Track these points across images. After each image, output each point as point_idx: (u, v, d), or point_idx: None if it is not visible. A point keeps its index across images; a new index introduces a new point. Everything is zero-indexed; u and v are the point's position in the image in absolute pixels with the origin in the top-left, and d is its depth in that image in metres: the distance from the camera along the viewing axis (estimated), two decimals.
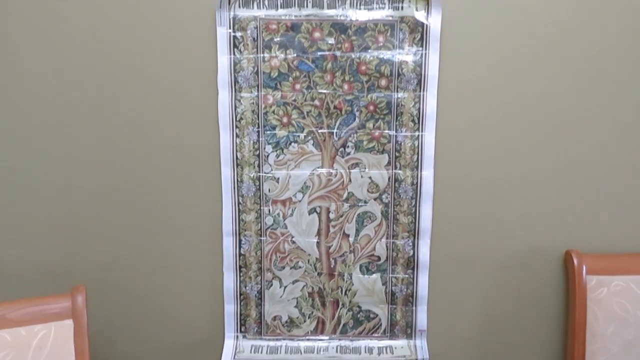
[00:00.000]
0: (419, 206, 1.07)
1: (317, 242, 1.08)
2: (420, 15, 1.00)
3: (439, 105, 1.03)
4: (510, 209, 1.09)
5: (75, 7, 0.99)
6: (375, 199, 1.07)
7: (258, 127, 1.04)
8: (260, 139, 1.05)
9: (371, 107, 1.04)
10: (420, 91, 1.02)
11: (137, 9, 0.99)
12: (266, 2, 1.00)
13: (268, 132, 1.05)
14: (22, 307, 0.91)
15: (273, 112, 1.04)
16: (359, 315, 1.11)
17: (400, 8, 1.00)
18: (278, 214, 1.07)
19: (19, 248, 1.08)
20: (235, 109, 1.03)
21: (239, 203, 1.06)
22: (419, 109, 1.03)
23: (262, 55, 1.02)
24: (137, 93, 1.02)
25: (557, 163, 1.07)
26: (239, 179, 1.06)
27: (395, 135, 1.05)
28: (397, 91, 1.02)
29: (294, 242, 1.08)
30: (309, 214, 1.07)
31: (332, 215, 1.07)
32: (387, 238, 1.08)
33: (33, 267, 1.09)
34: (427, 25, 1.00)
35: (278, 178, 1.06)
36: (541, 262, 1.11)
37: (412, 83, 1.02)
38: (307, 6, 1.00)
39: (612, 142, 1.06)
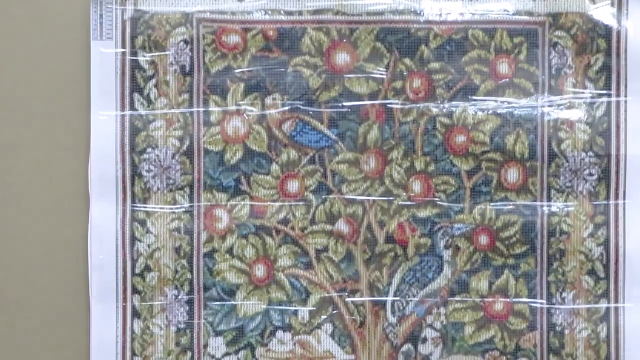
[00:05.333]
0: None
1: None
2: (602, 13, 0.47)
3: None
4: None
5: None
6: None
7: (190, 292, 0.48)
8: (196, 321, 0.49)
9: (482, 238, 0.48)
10: (607, 198, 0.47)
11: None
12: None
13: (215, 303, 0.48)
14: None
15: (229, 250, 0.48)
16: None
17: None
18: None
19: None
20: (131, 245, 0.48)
21: None
22: (607, 241, 0.48)
23: (201, 109, 0.48)
24: None
25: None
26: None
27: (549, 311, 0.48)
28: (549, 197, 0.47)
29: None
30: None
31: None
32: None
33: None
34: (620, 35, 0.47)
35: None
36: None
37: (587, 177, 0.47)
38: None
39: None
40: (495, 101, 0.47)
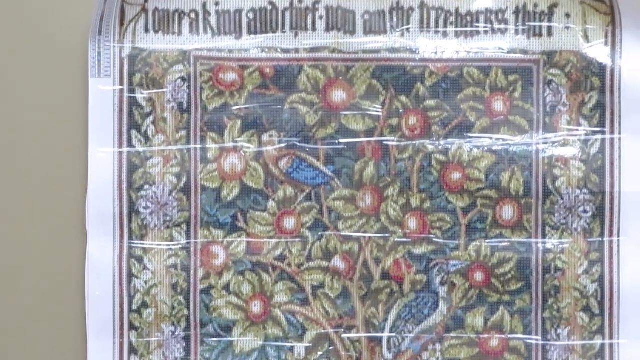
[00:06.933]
0: None
1: None
2: (596, 52, 0.49)
3: None
4: None
5: None
6: None
7: (187, 328, 0.49)
8: (193, 357, 0.49)
9: (478, 275, 0.49)
10: (602, 235, 0.49)
11: None
12: (212, 19, 0.50)
13: (211, 339, 0.49)
14: None
15: (225, 287, 0.49)
16: None
17: (544, 33, 0.49)
18: None
19: None
20: (128, 282, 0.49)
21: None
22: (602, 277, 0.49)
23: (198, 146, 0.50)
24: None
25: None
26: None
27: (545, 347, 0.50)
28: (544, 234, 0.49)
29: None
30: None
31: None
32: None
33: None
34: (614, 73, 0.49)
35: None
36: None
37: (581, 215, 0.49)
38: (312, 28, 0.50)
39: None
40: (491, 138, 0.49)
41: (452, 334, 0.49)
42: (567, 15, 0.48)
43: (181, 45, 0.48)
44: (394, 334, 0.49)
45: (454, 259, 0.48)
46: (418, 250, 0.49)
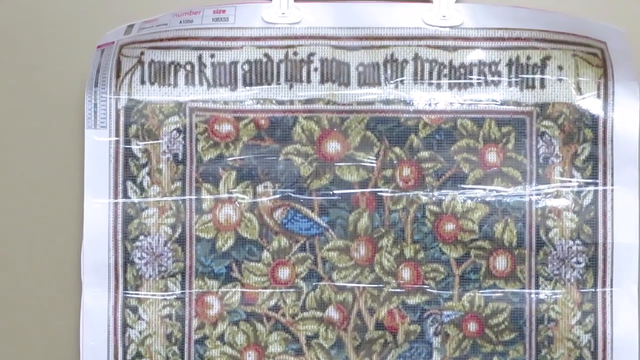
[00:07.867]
0: None
1: None
2: (589, 104, 0.50)
3: None
4: None
5: None
6: None
7: None
8: None
9: (472, 325, 0.50)
10: (595, 285, 0.49)
11: None
12: (208, 71, 0.51)
13: None
14: None
15: (220, 337, 0.49)
16: None
17: (537, 85, 0.50)
18: None
19: None
20: (123, 332, 0.50)
21: None
22: (595, 328, 0.50)
23: (193, 197, 0.51)
24: None
25: None
26: None
27: None
28: (537, 284, 0.50)
29: None
30: None
31: None
32: None
33: None
34: (606, 124, 0.50)
35: None
36: None
37: (574, 265, 0.49)
38: (306, 79, 0.51)
39: None
40: (484, 190, 0.49)
41: None
42: (560, 68, 0.49)
43: (177, 97, 0.49)
44: None
45: (447, 310, 0.49)
46: (412, 300, 0.49)
